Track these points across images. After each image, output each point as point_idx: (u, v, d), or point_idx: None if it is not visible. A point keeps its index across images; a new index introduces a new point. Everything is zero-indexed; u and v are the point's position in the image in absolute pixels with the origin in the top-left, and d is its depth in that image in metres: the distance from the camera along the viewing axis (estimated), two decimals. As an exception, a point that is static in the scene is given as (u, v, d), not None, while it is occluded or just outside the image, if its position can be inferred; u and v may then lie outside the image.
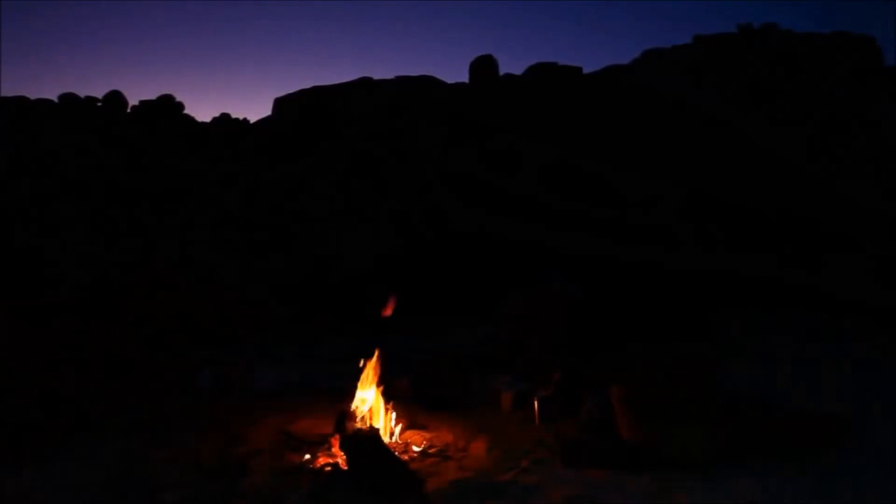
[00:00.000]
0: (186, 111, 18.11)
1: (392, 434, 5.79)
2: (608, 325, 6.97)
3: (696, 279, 11.53)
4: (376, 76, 17.86)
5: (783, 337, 9.74)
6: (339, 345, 9.02)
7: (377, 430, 5.18)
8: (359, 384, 5.75)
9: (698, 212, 16.02)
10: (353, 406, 5.68)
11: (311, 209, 15.85)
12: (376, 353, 5.88)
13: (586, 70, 18.80)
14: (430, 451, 5.50)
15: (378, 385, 5.79)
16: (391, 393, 7.09)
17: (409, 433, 5.90)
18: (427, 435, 5.85)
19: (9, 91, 34.71)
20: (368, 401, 5.70)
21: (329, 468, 4.94)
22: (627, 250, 13.52)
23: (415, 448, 5.57)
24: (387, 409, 5.87)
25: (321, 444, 5.50)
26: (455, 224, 14.23)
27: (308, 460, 5.16)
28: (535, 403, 6.43)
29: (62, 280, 11.30)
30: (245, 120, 17.87)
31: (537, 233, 13.53)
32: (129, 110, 18.27)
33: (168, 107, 18.67)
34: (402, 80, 17.61)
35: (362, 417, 5.59)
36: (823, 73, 18.52)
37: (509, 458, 5.36)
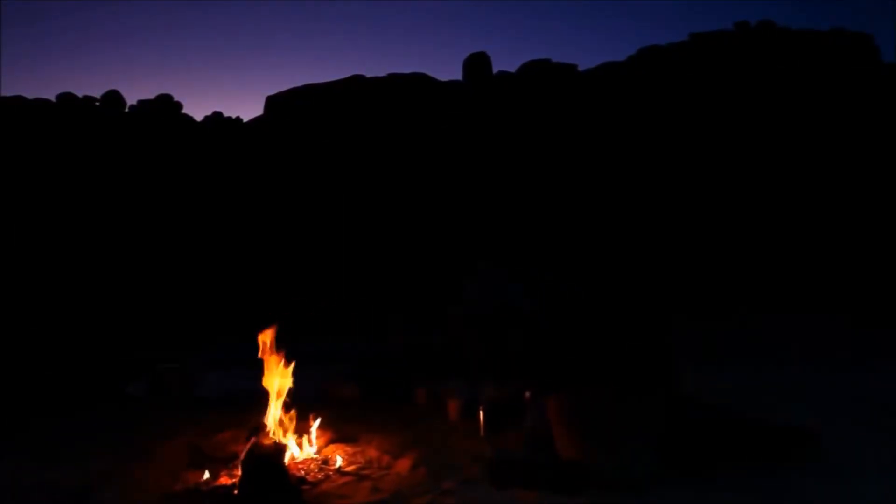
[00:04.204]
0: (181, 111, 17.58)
1: (315, 449, 5.14)
2: (559, 330, 6.26)
3: (656, 280, 10.84)
4: (368, 74, 17.26)
5: (748, 340, 9.08)
6: (299, 347, 8.37)
7: (282, 446, 4.51)
8: (269, 391, 5.09)
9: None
10: (267, 418, 5.02)
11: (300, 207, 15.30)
12: (282, 354, 5.22)
13: (582, 68, 18.07)
14: (349, 468, 4.82)
15: (287, 392, 5.13)
16: (334, 400, 6.49)
17: (333, 447, 5.23)
18: (352, 449, 5.18)
19: (7, 91, 34.49)
20: (279, 412, 5.04)
21: (222, 490, 4.30)
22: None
23: (335, 464, 4.90)
24: (310, 420, 5.23)
25: (230, 460, 4.86)
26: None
27: (206, 480, 4.51)
28: (481, 413, 5.77)
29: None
30: (238, 118, 17.31)
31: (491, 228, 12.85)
32: (126, 110, 17.79)
33: (167, 106, 18.17)
34: (394, 78, 16.97)
35: (274, 431, 4.93)
36: (821, 71, 17.66)
37: (434, 477, 4.65)
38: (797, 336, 10.53)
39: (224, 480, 4.49)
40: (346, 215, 16.21)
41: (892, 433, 5.29)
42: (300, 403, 5.73)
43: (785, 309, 14.00)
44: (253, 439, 4.59)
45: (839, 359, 8.67)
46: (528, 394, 5.55)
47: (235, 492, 4.15)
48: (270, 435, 4.84)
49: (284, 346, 5.40)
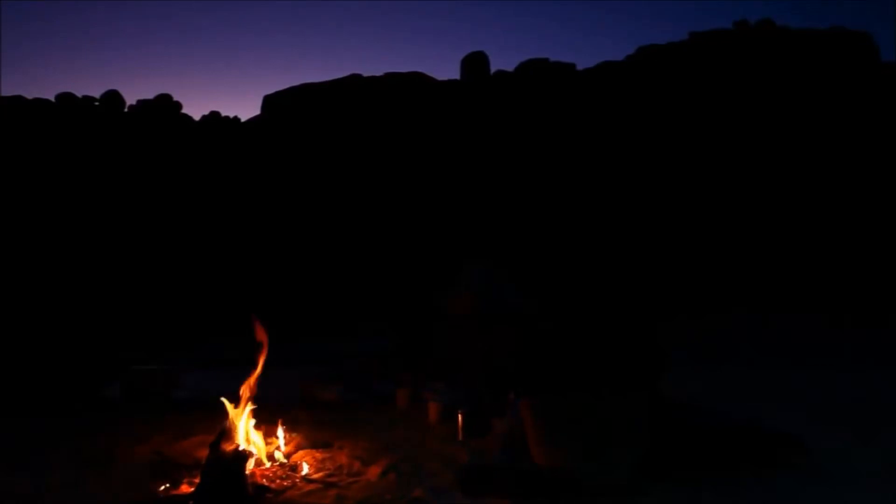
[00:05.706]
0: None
1: (284, 455, 4.93)
2: (549, 331, 6.03)
3: (652, 280, 10.59)
4: (366, 73, 17.03)
5: (746, 340, 8.85)
6: (286, 347, 8.17)
7: (244, 453, 4.30)
8: (241, 396, 4.88)
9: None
10: (234, 422, 4.80)
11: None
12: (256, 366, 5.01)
13: (580, 67, 17.79)
14: (317, 475, 4.59)
15: (251, 398, 4.91)
16: (314, 402, 6.31)
17: (303, 452, 5.00)
18: (321, 455, 4.96)
19: (7, 91, 34.31)
20: (246, 416, 4.82)
21: (179, 499, 4.08)
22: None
23: (303, 472, 4.68)
24: (277, 425, 5.03)
25: (196, 467, 4.64)
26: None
27: (165, 489, 4.30)
28: (459, 417, 5.56)
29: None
30: (236, 118, 17.11)
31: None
32: (126, 110, 17.63)
33: (166, 106, 18.00)
34: (391, 78, 16.73)
35: (245, 436, 4.71)
36: (821, 70, 17.36)
37: (405, 485, 4.43)
38: (796, 336, 10.34)
39: (185, 489, 4.28)
40: (341, 214, 16.00)
41: (884, 438, 5.08)
42: (276, 405, 5.53)
43: (784, 309, 13.77)
44: (220, 445, 4.37)
45: (836, 360, 8.48)
46: (510, 396, 5.34)
47: (191, 502, 3.93)
48: (236, 440, 4.62)
49: (272, 347, 5.20)
